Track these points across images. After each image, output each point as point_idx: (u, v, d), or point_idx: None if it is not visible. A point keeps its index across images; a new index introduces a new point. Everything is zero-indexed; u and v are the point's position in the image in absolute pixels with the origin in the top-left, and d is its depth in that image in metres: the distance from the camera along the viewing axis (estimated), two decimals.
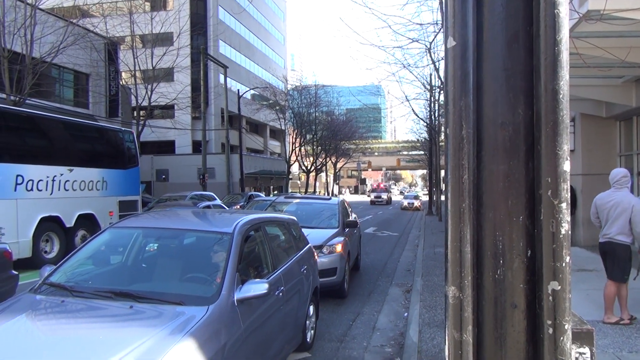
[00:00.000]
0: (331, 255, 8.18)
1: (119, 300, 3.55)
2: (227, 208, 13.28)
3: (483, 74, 1.28)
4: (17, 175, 11.24)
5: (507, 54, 1.27)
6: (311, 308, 5.86)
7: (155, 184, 38.12)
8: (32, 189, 11.62)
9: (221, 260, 3.99)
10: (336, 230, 9.04)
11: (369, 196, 52.87)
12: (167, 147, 43.12)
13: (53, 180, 12.28)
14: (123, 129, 17.44)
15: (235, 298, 3.65)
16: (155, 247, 4.85)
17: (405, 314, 7.45)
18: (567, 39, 1.21)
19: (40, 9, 18.67)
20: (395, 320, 7.26)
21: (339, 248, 8.35)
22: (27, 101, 17.22)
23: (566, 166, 1.21)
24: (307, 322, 5.63)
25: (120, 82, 27.17)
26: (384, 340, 6.38)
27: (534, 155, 1.25)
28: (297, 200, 11.27)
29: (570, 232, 1.23)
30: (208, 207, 11.91)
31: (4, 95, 16.61)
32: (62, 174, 12.57)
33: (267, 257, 4.85)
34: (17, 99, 16.64)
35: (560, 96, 1.21)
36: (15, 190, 11.15)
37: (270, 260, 4.83)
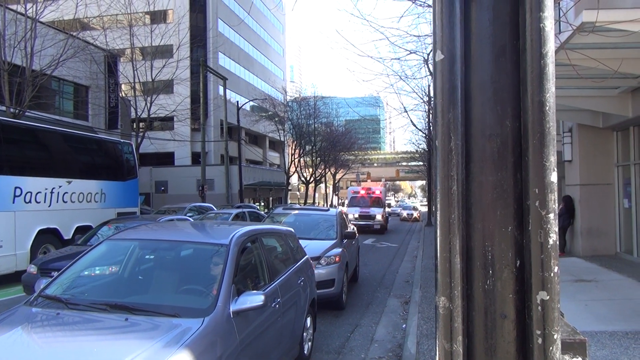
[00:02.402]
0: (329, 266, 8.17)
1: (114, 312, 3.54)
2: (191, 220, 13.17)
3: (471, 86, 1.30)
4: (16, 188, 11.24)
5: (495, 67, 1.29)
6: (308, 320, 5.82)
7: (154, 196, 38.04)
8: (30, 201, 11.62)
9: (217, 271, 3.98)
10: (334, 241, 9.04)
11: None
12: (166, 159, 43.16)
13: (51, 193, 12.30)
14: (122, 140, 17.48)
15: (231, 310, 3.64)
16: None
17: (404, 326, 7.42)
18: (553, 53, 1.24)
19: (41, 22, 18.78)
20: (394, 332, 7.23)
21: (337, 259, 8.36)
22: (26, 113, 17.27)
23: (553, 177, 1.23)
24: (305, 334, 5.59)
25: (120, 94, 27.26)
26: (382, 352, 6.35)
27: (521, 166, 1.27)
28: (296, 212, 11.28)
29: (558, 242, 1.25)
30: (171, 220, 11.74)
31: (3, 108, 16.65)
32: (60, 186, 12.59)
33: (263, 268, 4.83)
34: (17, 111, 16.68)
35: (547, 108, 1.22)
36: (13, 202, 11.15)
37: (266, 272, 4.81)
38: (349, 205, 28.59)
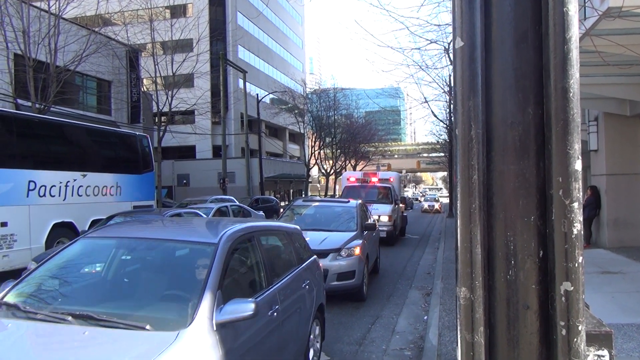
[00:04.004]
0: (349, 258, 8.13)
1: (76, 323, 3.07)
2: (204, 216, 12.86)
3: (492, 74, 1.28)
4: (30, 181, 11.15)
5: (516, 54, 1.26)
6: (315, 327, 5.28)
7: (177, 189, 38.62)
8: (44, 195, 11.53)
9: (201, 275, 3.48)
10: (354, 233, 8.99)
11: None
12: (187, 152, 43.64)
13: (66, 186, 12.17)
14: (137, 133, 17.26)
15: (214, 321, 3.12)
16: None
17: (425, 317, 7.39)
18: (577, 37, 1.20)
19: (64, 19, 19.08)
20: (415, 324, 7.21)
21: (357, 251, 8.31)
22: (51, 109, 17.61)
23: (577, 165, 1.20)
24: (310, 343, 5.07)
25: (142, 89, 27.58)
26: (403, 343, 6.34)
27: (544, 154, 1.24)
28: (316, 204, 11.25)
29: (582, 232, 1.22)
30: (179, 214, 11.26)
31: (29, 103, 17.01)
32: (75, 180, 12.47)
33: (260, 271, 4.28)
34: (42, 106, 17.03)
35: (571, 95, 1.19)
36: (27, 196, 11.06)
37: (264, 275, 4.27)
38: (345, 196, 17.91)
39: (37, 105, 16.88)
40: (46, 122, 13.06)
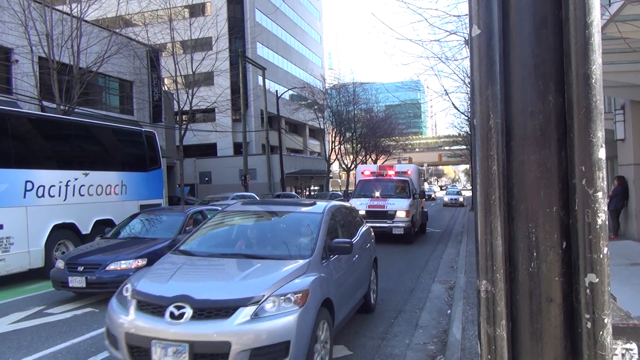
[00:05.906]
0: (283, 315, 4.39)
1: None
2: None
3: (510, 61, 1.25)
4: (26, 182, 10.72)
5: (536, 40, 1.23)
6: None
7: (199, 186, 39.05)
8: (43, 195, 11.08)
9: None
10: (306, 261, 5.20)
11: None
12: (209, 150, 44.09)
13: (67, 186, 11.77)
14: (143, 129, 16.62)
15: None
16: None
17: (448, 311, 7.34)
18: (599, 22, 1.17)
19: (86, 21, 19.41)
20: (438, 318, 7.16)
21: (301, 299, 4.55)
22: (76, 110, 17.94)
23: (601, 154, 1.17)
24: None
25: (163, 88, 27.90)
26: (426, 337, 6.30)
27: (566, 143, 1.21)
28: (256, 209, 7.40)
29: (607, 223, 1.19)
30: (200, 212, 10.98)
31: (54, 105, 17.36)
32: (76, 179, 12.04)
33: None
34: (67, 108, 17.36)
35: (593, 81, 1.16)
36: (24, 197, 10.63)
37: None
38: (355, 195, 17.05)
39: (61, 107, 17.22)
40: (43, 119, 12.60)
